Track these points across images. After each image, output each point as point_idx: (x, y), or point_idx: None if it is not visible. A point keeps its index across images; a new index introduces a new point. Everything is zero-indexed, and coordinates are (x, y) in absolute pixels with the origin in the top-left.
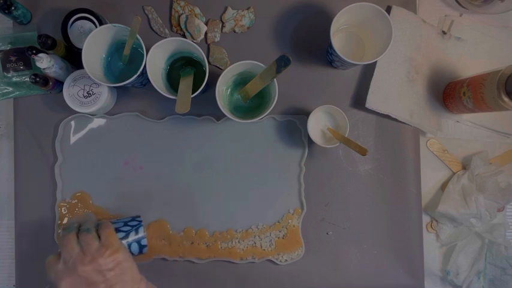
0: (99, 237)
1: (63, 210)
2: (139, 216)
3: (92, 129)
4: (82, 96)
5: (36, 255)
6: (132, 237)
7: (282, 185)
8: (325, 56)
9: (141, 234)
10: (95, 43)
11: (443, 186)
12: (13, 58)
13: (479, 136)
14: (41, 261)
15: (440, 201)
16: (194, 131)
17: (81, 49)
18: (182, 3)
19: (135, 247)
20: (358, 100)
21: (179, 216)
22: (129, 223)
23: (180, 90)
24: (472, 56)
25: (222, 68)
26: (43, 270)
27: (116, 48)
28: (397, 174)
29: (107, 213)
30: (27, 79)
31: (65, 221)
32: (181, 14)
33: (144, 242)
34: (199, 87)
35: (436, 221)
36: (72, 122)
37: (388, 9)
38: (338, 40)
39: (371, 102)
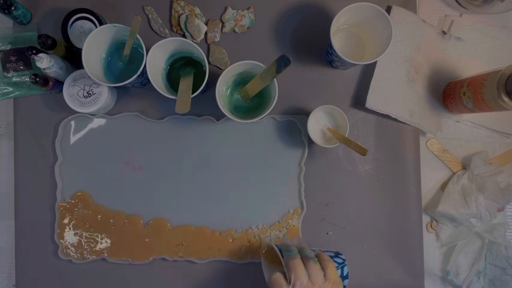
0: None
1: (63, 210)
2: (341, 254)
3: (92, 129)
4: (82, 96)
5: (36, 255)
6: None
7: (282, 185)
8: (325, 56)
9: (345, 273)
10: (95, 43)
11: (443, 186)
12: (13, 58)
13: (479, 136)
14: (41, 261)
15: (440, 201)
16: (194, 131)
17: (81, 49)
18: (182, 3)
19: None
20: (358, 100)
21: (179, 216)
22: (334, 259)
23: (180, 90)
24: (472, 56)
25: (222, 68)
26: (43, 270)
27: (116, 48)
28: (397, 174)
29: (108, 212)
30: (27, 79)
31: (65, 221)
32: (181, 14)
33: (345, 282)
34: (199, 87)
35: (436, 221)
36: (72, 122)
37: (388, 9)
38: (338, 40)
39: (371, 102)
